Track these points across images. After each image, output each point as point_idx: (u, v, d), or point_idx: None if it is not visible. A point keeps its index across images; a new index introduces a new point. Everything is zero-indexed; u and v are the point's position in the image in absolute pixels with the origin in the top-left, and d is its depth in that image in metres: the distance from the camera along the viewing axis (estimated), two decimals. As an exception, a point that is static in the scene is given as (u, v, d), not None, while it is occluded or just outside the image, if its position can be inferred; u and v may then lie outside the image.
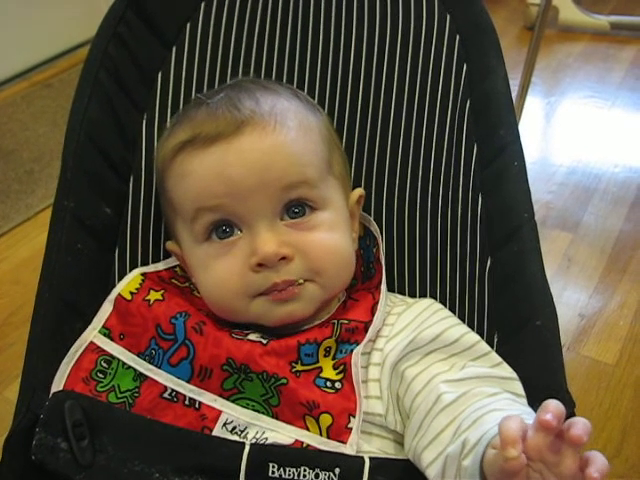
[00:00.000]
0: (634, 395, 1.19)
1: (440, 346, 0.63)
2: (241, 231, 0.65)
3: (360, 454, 0.59)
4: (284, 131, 0.64)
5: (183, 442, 0.59)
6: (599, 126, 1.95)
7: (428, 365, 0.62)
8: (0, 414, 1.11)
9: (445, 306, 0.71)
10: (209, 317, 0.67)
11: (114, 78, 0.73)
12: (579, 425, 0.42)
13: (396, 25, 0.78)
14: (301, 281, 0.64)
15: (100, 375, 0.65)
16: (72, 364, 0.65)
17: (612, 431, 1.12)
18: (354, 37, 0.79)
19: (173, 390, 0.63)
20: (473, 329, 0.66)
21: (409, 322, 0.66)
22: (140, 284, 0.70)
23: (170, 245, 0.73)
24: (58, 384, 0.64)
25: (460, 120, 0.75)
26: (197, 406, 0.62)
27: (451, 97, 0.76)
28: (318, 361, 0.63)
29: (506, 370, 0.62)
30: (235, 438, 0.60)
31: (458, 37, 0.76)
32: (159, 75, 0.77)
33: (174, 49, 0.77)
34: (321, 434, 0.60)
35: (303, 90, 0.80)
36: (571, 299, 1.39)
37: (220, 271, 0.65)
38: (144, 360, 0.66)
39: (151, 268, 0.73)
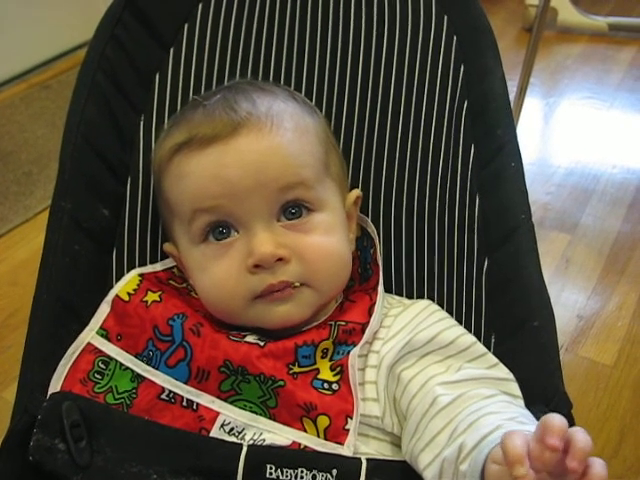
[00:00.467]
0: (632, 396, 1.19)
1: (436, 348, 0.63)
2: (238, 232, 0.65)
3: (357, 455, 0.59)
4: (280, 132, 0.64)
5: (181, 443, 0.59)
6: (597, 127, 1.95)
7: (424, 367, 0.62)
8: (-2, 415, 1.11)
9: (442, 307, 0.71)
10: (206, 319, 0.67)
11: (111, 80, 0.73)
12: (578, 453, 0.41)
13: (393, 26, 0.78)
14: (297, 284, 0.64)
15: (97, 376, 0.65)
16: (69, 365, 0.65)
17: (610, 432, 1.12)
18: (351, 39, 0.79)
19: (171, 391, 0.63)
20: (470, 330, 0.67)
21: (406, 324, 0.66)
22: (138, 285, 0.70)
23: (167, 247, 0.73)
24: (56, 385, 0.64)
25: (457, 121, 0.75)
26: (195, 407, 0.62)
27: (448, 98, 0.76)
28: (315, 363, 0.63)
29: (502, 371, 0.62)
30: (232, 439, 0.60)
31: (455, 38, 0.76)
32: (156, 77, 0.77)
33: (171, 51, 0.77)
34: (318, 436, 0.60)
35: (300, 92, 0.80)
36: (569, 300, 1.39)
37: (217, 272, 0.65)
38: (142, 361, 0.66)
39: (149, 269, 0.73)
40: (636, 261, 1.48)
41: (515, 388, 0.61)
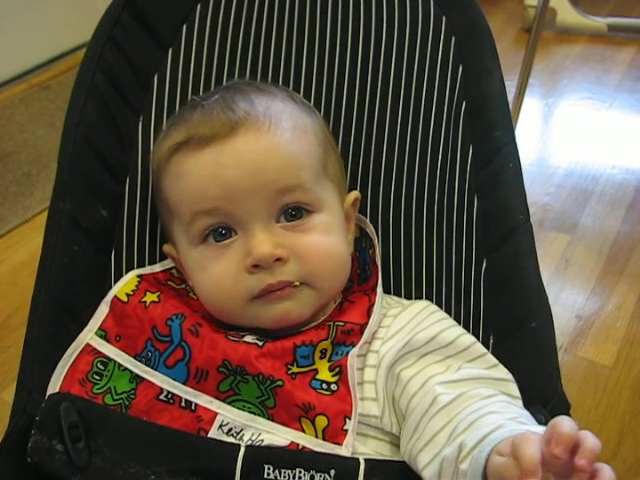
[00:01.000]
0: (631, 397, 1.19)
1: (436, 348, 0.63)
2: (237, 233, 0.65)
3: (355, 456, 0.59)
4: (279, 132, 0.64)
5: (179, 444, 0.60)
6: (597, 128, 1.95)
7: (424, 367, 0.62)
8: (-3, 416, 1.11)
9: (441, 308, 0.71)
10: (205, 319, 0.67)
11: (110, 80, 0.73)
12: (586, 452, 0.41)
13: (391, 27, 0.78)
14: (297, 283, 0.64)
15: (96, 377, 0.65)
16: (68, 366, 0.66)
17: (609, 433, 1.12)
18: (350, 40, 0.79)
19: (169, 392, 0.63)
20: (469, 331, 0.67)
21: (405, 324, 0.66)
22: (136, 286, 0.70)
23: (166, 248, 0.73)
24: (54, 386, 0.64)
25: (456, 122, 0.75)
26: (193, 408, 0.62)
27: (447, 99, 0.76)
28: (314, 363, 0.63)
29: (502, 372, 0.62)
30: (231, 440, 0.60)
31: (454, 39, 0.76)
32: (155, 77, 0.77)
33: (170, 51, 0.77)
34: (317, 436, 0.60)
35: (299, 93, 0.80)
36: (568, 301, 1.39)
37: (216, 273, 0.65)
38: (140, 362, 0.66)
39: (147, 270, 0.73)
40: (635, 262, 1.48)
41: (514, 389, 0.61)
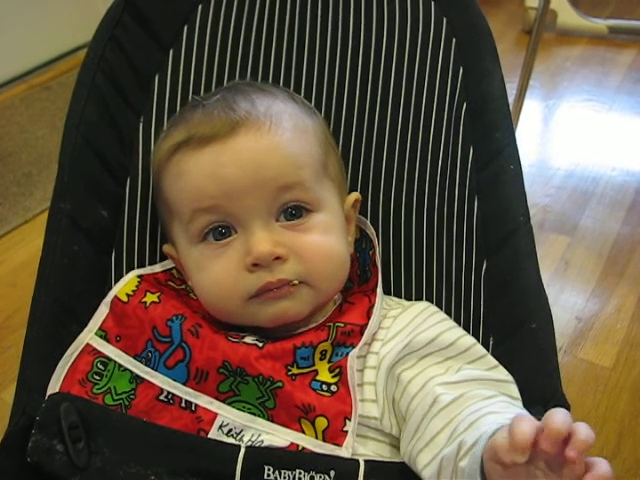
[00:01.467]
0: (631, 398, 1.19)
1: (436, 349, 0.63)
2: (236, 232, 0.65)
3: (355, 457, 0.59)
4: (279, 132, 0.65)
5: (179, 445, 0.60)
6: (597, 129, 1.95)
7: (424, 368, 0.62)
8: (-3, 416, 1.11)
9: (441, 309, 0.71)
10: (205, 320, 0.67)
11: (111, 81, 0.73)
12: (577, 443, 0.41)
13: (392, 28, 0.78)
14: (296, 282, 0.64)
15: (96, 377, 0.65)
16: (68, 366, 0.66)
17: (609, 434, 1.12)
18: (350, 41, 0.79)
19: (169, 392, 0.63)
20: (469, 332, 0.67)
21: (405, 325, 0.66)
22: (137, 286, 0.70)
23: (166, 248, 0.73)
24: (54, 386, 0.65)
25: (456, 123, 0.75)
26: (193, 409, 0.62)
27: (447, 100, 0.76)
28: (314, 364, 0.63)
29: (502, 373, 0.62)
30: (231, 441, 0.60)
31: (454, 40, 0.76)
32: (156, 78, 0.77)
33: (171, 52, 0.77)
34: (317, 437, 0.60)
35: (300, 94, 0.80)
36: (568, 302, 1.39)
37: (215, 271, 0.65)
38: (140, 362, 0.66)
39: (147, 270, 0.73)
40: (635, 263, 1.48)
41: (514, 390, 0.61)
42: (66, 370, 0.65)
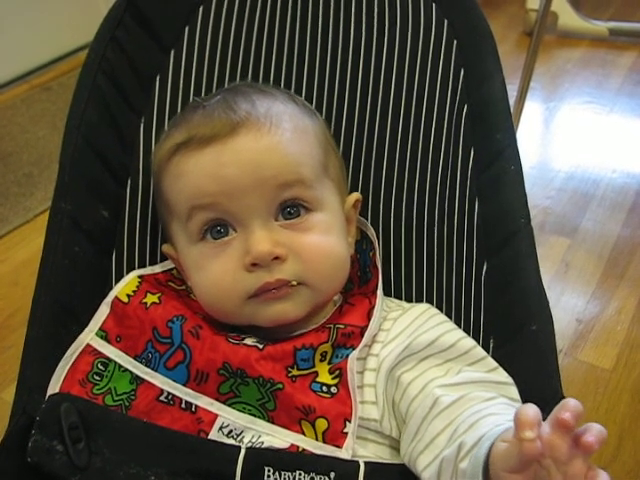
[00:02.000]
0: (631, 400, 1.19)
1: (436, 351, 0.63)
2: (235, 231, 0.65)
3: (355, 458, 0.59)
4: (279, 132, 0.65)
5: (179, 445, 0.60)
6: (597, 132, 1.96)
7: (424, 370, 0.62)
8: (-3, 416, 1.11)
9: (441, 311, 0.71)
10: (205, 321, 0.67)
11: (112, 82, 0.73)
12: (593, 432, 0.41)
13: (393, 30, 0.78)
14: (294, 282, 0.64)
15: (96, 377, 0.65)
16: (68, 366, 0.66)
17: (609, 436, 1.10)
18: (352, 42, 0.79)
19: (169, 393, 0.63)
20: (469, 334, 0.67)
21: (405, 327, 0.66)
22: (137, 287, 0.70)
23: (166, 248, 0.73)
24: (54, 386, 0.64)
25: (457, 125, 0.75)
26: (193, 410, 0.62)
27: (448, 102, 0.76)
28: (314, 366, 0.63)
29: (502, 375, 0.62)
30: (231, 442, 0.60)
31: (455, 42, 0.76)
32: (157, 79, 0.77)
33: (172, 53, 0.77)
34: (317, 438, 0.60)
35: (301, 95, 0.80)
36: (568, 304, 1.39)
37: (214, 271, 0.65)
38: (141, 363, 0.66)
39: (148, 271, 0.73)
40: (635, 265, 1.48)
41: (514, 392, 0.61)
42: (66, 370, 0.65)
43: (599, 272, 1.46)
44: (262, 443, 0.60)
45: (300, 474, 0.57)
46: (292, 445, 0.60)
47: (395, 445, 0.63)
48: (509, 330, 0.67)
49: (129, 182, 0.75)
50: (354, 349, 0.64)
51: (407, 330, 0.66)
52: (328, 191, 0.68)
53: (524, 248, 0.68)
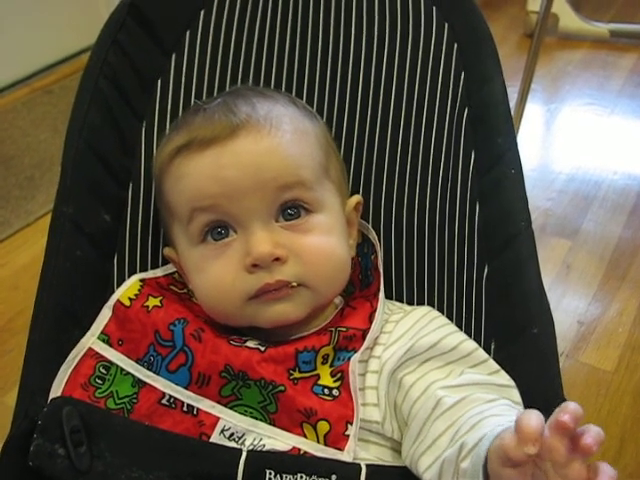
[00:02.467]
0: (633, 402, 1.19)
1: (437, 354, 0.63)
2: (236, 232, 0.65)
3: (357, 461, 0.59)
4: (279, 134, 0.65)
5: (180, 449, 0.60)
6: (598, 133, 1.96)
7: (426, 373, 0.62)
8: (-1, 420, 1.11)
9: (442, 313, 0.71)
10: (207, 324, 0.67)
11: (114, 85, 0.73)
12: (591, 434, 0.41)
13: (394, 33, 0.78)
14: (294, 284, 0.64)
15: (98, 381, 0.66)
16: (70, 370, 0.66)
17: (610, 439, 1.12)
18: (353, 46, 0.79)
19: (171, 396, 0.63)
20: (470, 336, 0.67)
21: (407, 330, 0.66)
22: (139, 290, 0.70)
23: (167, 251, 0.73)
24: (56, 390, 0.65)
25: (458, 128, 0.75)
26: (195, 412, 0.62)
27: (449, 105, 0.76)
28: (316, 368, 0.63)
29: (503, 378, 0.62)
30: (233, 445, 0.60)
31: (456, 45, 0.76)
32: (158, 82, 0.77)
33: (174, 56, 0.77)
34: (318, 441, 0.60)
35: (302, 98, 0.80)
36: (570, 306, 1.39)
37: (215, 272, 0.65)
38: (143, 366, 0.66)
39: (149, 274, 0.73)
40: (637, 267, 1.48)
41: (516, 395, 0.61)
42: (68, 374, 0.65)
43: (600, 274, 1.46)
44: (263, 446, 0.60)
45: (301, 477, 0.57)
46: (294, 448, 0.60)
47: (397, 447, 0.63)
48: (510, 333, 0.67)
49: (131, 185, 0.75)
50: (356, 352, 0.64)
51: (409, 333, 0.66)
52: (329, 193, 0.69)
53: (525, 251, 0.68)
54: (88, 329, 0.68)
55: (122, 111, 0.74)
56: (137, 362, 0.66)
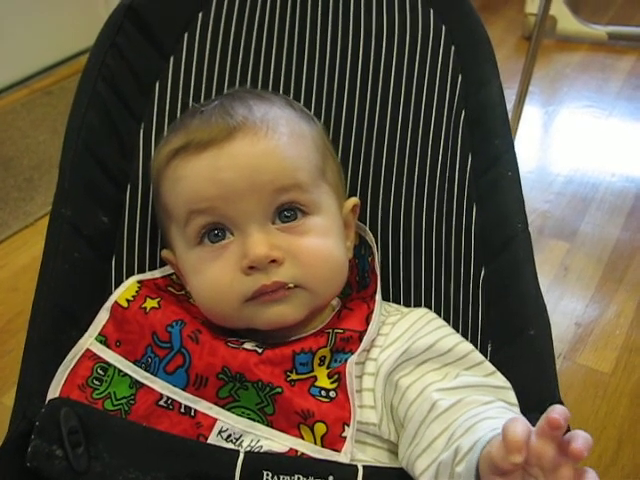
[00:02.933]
0: (630, 404, 1.19)
1: (434, 355, 0.63)
2: (233, 235, 0.65)
3: (354, 462, 0.59)
4: (276, 136, 0.65)
5: (178, 450, 0.60)
6: (596, 136, 1.96)
7: (422, 374, 0.62)
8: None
9: (439, 315, 0.71)
10: (205, 325, 0.67)
11: (112, 88, 0.73)
12: (580, 440, 0.42)
13: (391, 36, 0.78)
14: (291, 285, 0.64)
15: (96, 382, 0.66)
16: (68, 371, 0.66)
17: (608, 440, 1.13)
18: (350, 49, 0.80)
19: (169, 398, 0.64)
20: (467, 338, 0.67)
21: (403, 332, 0.66)
22: (137, 292, 0.70)
23: (165, 253, 0.73)
24: (54, 391, 0.65)
25: (455, 130, 0.75)
26: (192, 414, 0.62)
27: (446, 107, 0.76)
28: (313, 370, 0.64)
29: (499, 379, 0.62)
30: (230, 446, 0.60)
31: (453, 48, 0.76)
32: (156, 85, 0.77)
33: (172, 59, 0.78)
34: (315, 443, 0.60)
35: (299, 101, 0.80)
36: (568, 308, 1.39)
37: (212, 274, 0.65)
38: (140, 368, 0.66)
39: (147, 276, 0.73)
40: (634, 269, 1.48)
41: (512, 396, 0.61)
42: (66, 375, 0.65)
43: (598, 276, 1.47)
44: (261, 447, 0.60)
45: (299, 478, 0.57)
46: (291, 449, 0.60)
47: (394, 449, 0.63)
48: (507, 335, 0.67)
49: (129, 187, 0.75)
50: (353, 354, 0.64)
51: (405, 334, 0.66)
52: (325, 195, 0.69)
53: (522, 253, 0.68)
54: (86, 330, 0.68)
55: (120, 113, 0.75)
56: (135, 363, 0.66)
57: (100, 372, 0.66)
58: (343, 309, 0.70)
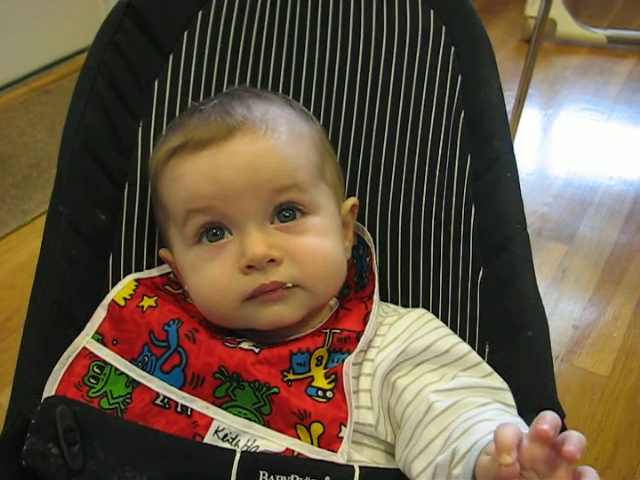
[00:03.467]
0: (627, 406, 1.19)
1: (431, 357, 0.63)
2: (231, 234, 0.65)
3: (350, 463, 0.59)
4: (275, 136, 0.65)
5: (174, 449, 0.60)
6: (595, 139, 1.96)
7: (419, 376, 0.62)
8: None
9: (437, 316, 0.71)
10: (202, 324, 0.67)
11: (111, 86, 0.73)
12: (573, 441, 0.42)
13: (392, 37, 0.78)
14: (290, 285, 0.64)
15: (92, 381, 0.65)
16: (64, 369, 0.66)
17: (605, 442, 1.13)
18: (350, 50, 0.80)
19: (165, 397, 0.63)
20: (465, 339, 0.67)
21: (400, 332, 0.66)
22: (134, 290, 0.70)
23: (163, 252, 0.73)
24: (50, 389, 0.64)
25: (454, 131, 0.75)
26: (189, 413, 0.62)
27: (445, 108, 0.76)
28: (310, 370, 0.63)
29: (497, 380, 0.62)
30: (226, 446, 0.60)
31: (453, 49, 0.76)
32: (155, 83, 0.77)
33: (171, 57, 0.78)
34: (312, 443, 0.60)
35: (298, 101, 0.80)
36: (565, 310, 1.39)
37: (210, 273, 0.65)
38: (137, 366, 0.66)
39: (145, 274, 0.73)
40: (632, 272, 1.48)
41: (509, 397, 0.61)
42: (62, 373, 0.65)
43: (596, 278, 1.47)
44: (257, 447, 0.60)
45: (295, 478, 0.57)
46: (287, 449, 0.60)
47: (390, 450, 0.63)
48: (505, 336, 0.67)
49: (127, 186, 0.75)
50: (350, 354, 0.64)
51: (403, 335, 0.66)
52: (324, 195, 0.69)
53: (520, 254, 0.68)
54: (83, 328, 0.68)
55: (119, 112, 0.74)
56: (131, 362, 0.66)
57: (96, 370, 0.66)
58: (341, 309, 0.70)
